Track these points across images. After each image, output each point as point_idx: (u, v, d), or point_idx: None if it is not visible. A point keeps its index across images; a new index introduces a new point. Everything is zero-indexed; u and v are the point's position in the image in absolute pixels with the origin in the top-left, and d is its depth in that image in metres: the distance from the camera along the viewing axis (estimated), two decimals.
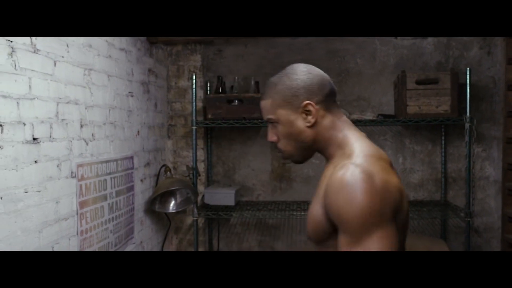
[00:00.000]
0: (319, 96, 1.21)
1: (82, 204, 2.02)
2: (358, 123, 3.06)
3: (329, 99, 1.22)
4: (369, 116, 3.23)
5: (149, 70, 2.91)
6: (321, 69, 1.26)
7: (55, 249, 1.81)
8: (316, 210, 1.15)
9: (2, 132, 1.51)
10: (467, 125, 2.73)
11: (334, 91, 1.25)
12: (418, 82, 2.79)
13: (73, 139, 1.96)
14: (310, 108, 1.20)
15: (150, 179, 2.91)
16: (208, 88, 3.27)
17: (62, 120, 1.88)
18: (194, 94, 2.86)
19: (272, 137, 1.28)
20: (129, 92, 2.58)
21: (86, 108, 2.08)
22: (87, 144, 2.09)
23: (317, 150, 1.26)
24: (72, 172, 1.94)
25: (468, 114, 2.73)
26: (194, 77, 2.87)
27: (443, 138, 3.17)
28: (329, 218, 1.09)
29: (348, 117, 3.17)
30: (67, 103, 1.92)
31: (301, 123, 1.21)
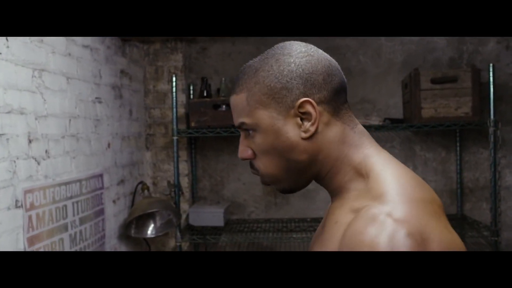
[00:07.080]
0: (324, 92, 0.78)
1: (32, 240, 1.60)
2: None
3: (338, 98, 0.79)
4: (374, 120, 2.84)
5: (122, 71, 2.49)
6: None
7: None
8: None
9: None
10: (491, 130, 2.36)
11: (345, 86, 0.82)
12: (434, 81, 2.42)
13: (17, 158, 1.54)
14: (309, 109, 0.76)
15: (125, 198, 2.49)
16: (191, 91, 2.86)
17: (1, 135, 1.46)
18: (174, 98, 2.45)
19: (244, 151, 0.82)
20: (96, 98, 2.16)
21: (36, 119, 1.66)
22: (38, 163, 1.66)
23: (315, 176, 0.81)
24: (17, 201, 1.52)
25: (492, 117, 2.36)
26: (174, 79, 2.45)
27: (458, 143, 2.81)
28: None
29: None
30: (8, 113, 1.50)
31: (293, 132, 0.77)
